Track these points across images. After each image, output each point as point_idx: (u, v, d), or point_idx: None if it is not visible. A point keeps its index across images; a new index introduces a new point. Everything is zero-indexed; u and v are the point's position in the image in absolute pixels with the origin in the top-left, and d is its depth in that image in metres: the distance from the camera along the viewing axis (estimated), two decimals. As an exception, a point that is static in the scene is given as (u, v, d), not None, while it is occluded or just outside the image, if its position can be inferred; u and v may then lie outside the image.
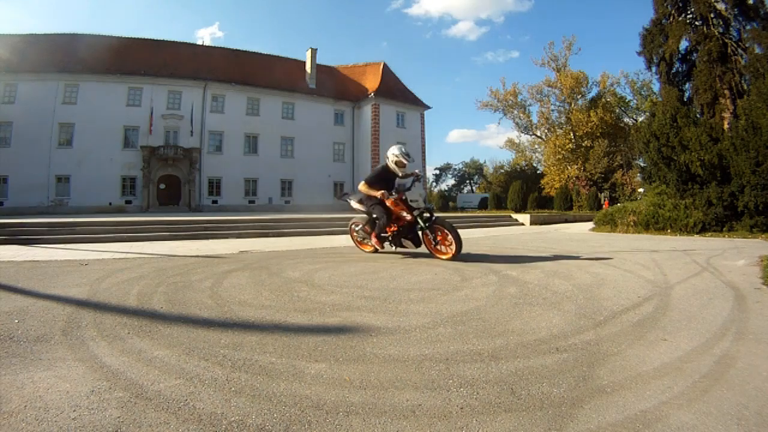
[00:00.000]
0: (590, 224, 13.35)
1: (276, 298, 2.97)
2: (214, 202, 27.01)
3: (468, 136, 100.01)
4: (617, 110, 35.99)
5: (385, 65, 33.71)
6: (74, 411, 1.25)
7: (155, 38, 29.01)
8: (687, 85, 17.24)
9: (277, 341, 1.99)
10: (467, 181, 60.92)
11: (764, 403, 1.29)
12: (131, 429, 1.16)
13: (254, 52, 32.07)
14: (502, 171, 48.09)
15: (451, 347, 1.90)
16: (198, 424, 1.19)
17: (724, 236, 8.75)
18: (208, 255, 5.68)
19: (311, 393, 1.42)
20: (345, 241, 7.09)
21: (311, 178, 29.26)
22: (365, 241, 5.41)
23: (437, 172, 61.58)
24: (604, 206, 21.23)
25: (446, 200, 44.33)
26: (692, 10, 16.99)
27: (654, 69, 17.72)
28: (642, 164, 24.28)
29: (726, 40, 16.18)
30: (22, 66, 23.83)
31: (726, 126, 13.29)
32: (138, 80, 26.12)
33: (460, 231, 4.97)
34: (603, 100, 34.88)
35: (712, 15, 16.58)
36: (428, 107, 34.71)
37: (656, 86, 26.22)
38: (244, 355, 1.79)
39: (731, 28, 16.72)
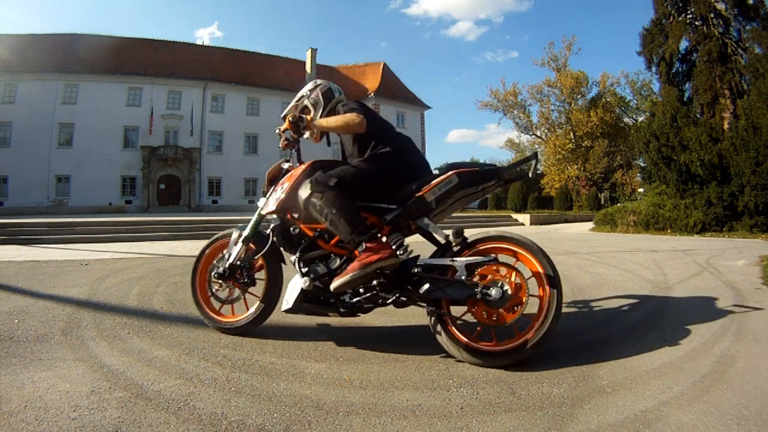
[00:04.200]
0: (590, 224, 13.36)
1: (276, 298, 2.96)
2: (214, 202, 27.02)
3: (468, 136, 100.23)
4: (617, 110, 35.93)
5: (385, 65, 33.72)
6: (74, 411, 1.25)
7: (155, 38, 29.03)
8: (687, 85, 17.22)
9: (277, 341, 1.99)
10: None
11: (764, 403, 1.29)
12: (131, 429, 1.16)
13: (254, 52, 32.09)
14: (502, 171, 47.89)
15: (451, 347, 1.90)
16: (198, 424, 1.19)
17: (724, 236, 8.75)
18: (208, 255, 5.68)
19: (311, 393, 1.42)
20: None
21: (312, 178, 29.27)
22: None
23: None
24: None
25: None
26: (692, 10, 16.97)
27: (654, 69, 17.69)
28: (642, 164, 24.26)
29: (726, 40, 16.17)
30: (22, 66, 23.84)
31: (726, 126, 13.28)
32: (138, 80, 26.13)
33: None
34: (603, 100, 34.81)
35: (712, 15, 16.57)
36: (428, 107, 34.69)
37: (656, 86, 26.16)
38: (244, 355, 1.79)
39: (731, 28, 16.70)
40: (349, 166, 1.92)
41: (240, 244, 2.09)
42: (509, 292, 1.64)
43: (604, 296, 2.98)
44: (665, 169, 10.62)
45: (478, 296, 1.65)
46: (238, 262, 2.07)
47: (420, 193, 1.80)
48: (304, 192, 1.82)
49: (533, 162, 1.83)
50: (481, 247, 1.79)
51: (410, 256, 1.78)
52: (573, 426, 1.19)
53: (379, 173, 1.87)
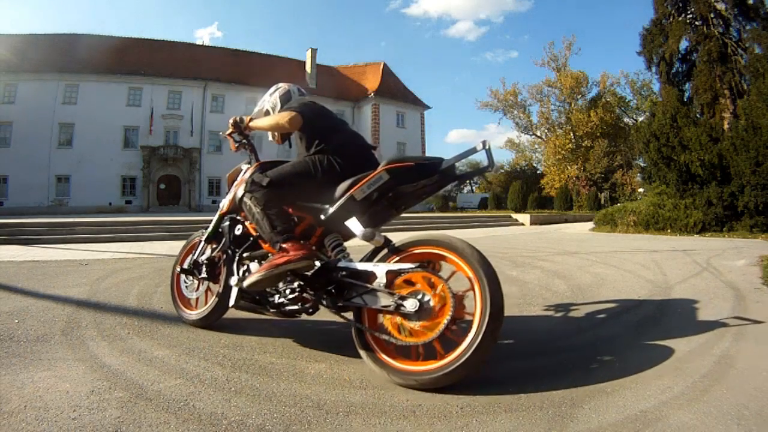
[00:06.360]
0: (590, 224, 13.35)
1: (276, 298, 2.96)
2: (214, 202, 26.98)
3: (467, 137, 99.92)
4: (617, 110, 35.95)
5: (385, 65, 33.70)
6: (74, 411, 1.25)
7: (155, 38, 29.04)
8: (687, 85, 17.24)
9: (277, 341, 1.99)
10: (467, 181, 60.87)
11: (764, 403, 1.29)
12: (131, 429, 1.16)
13: (254, 52, 32.09)
14: (502, 171, 48.03)
15: (451, 347, 1.90)
16: (198, 424, 1.19)
17: (724, 236, 8.74)
18: (208, 255, 5.67)
19: (311, 393, 1.42)
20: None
21: (311, 178, 29.30)
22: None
23: None
24: None
25: (446, 200, 44.31)
26: (692, 10, 16.99)
27: (654, 69, 17.72)
28: (642, 164, 24.29)
29: (726, 40, 16.19)
30: (22, 66, 23.84)
31: (726, 126, 13.28)
32: (138, 80, 26.13)
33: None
34: (603, 100, 34.84)
35: (712, 15, 16.58)
36: (428, 107, 34.69)
37: (656, 86, 26.19)
38: (244, 355, 1.79)
39: (731, 28, 16.72)
40: (286, 164, 1.89)
41: (203, 242, 2.27)
42: (431, 304, 1.41)
43: (604, 296, 2.98)
44: (665, 169, 10.62)
45: (392, 308, 1.46)
46: (200, 260, 2.23)
47: (350, 192, 1.62)
48: (240, 192, 1.87)
49: (489, 151, 1.54)
50: (411, 252, 1.58)
51: (342, 258, 1.70)
52: (573, 426, 1.19)
53: (313, 171, 1.77)
